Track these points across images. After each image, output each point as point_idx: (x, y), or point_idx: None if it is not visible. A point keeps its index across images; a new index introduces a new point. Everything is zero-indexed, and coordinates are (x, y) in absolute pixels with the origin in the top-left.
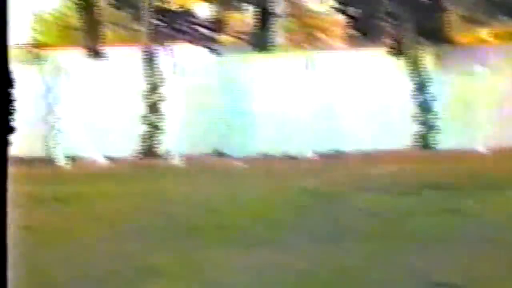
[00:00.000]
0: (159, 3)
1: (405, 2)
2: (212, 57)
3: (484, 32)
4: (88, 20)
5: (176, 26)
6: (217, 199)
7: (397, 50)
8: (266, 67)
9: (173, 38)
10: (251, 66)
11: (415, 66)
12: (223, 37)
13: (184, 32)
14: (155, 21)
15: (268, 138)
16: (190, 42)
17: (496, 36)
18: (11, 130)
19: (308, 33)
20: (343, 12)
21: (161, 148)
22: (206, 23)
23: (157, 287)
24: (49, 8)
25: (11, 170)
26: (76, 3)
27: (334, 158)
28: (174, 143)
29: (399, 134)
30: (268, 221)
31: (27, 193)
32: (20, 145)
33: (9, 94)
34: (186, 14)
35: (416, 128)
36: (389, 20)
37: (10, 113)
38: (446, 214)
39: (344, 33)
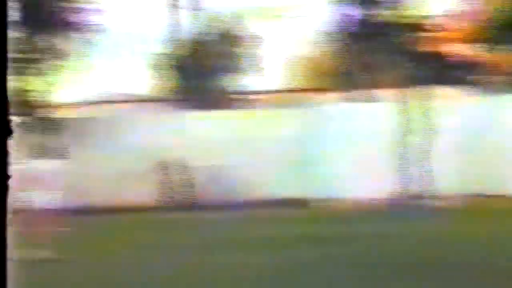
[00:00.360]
0: (415, 47)
1: None
2: (475, 98)
3: None
4: (345, 64)
5: (435, 68)
6: (488, 240)
7: None
8: None
9: (432, 81)
10: None
11: None
12: (485, 78)
13: (443, 75)
14: (412, 64)
15: None
16: (451, 83)
17: None
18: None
19: None
20: None
21: (425, 188)
22: (467, 64)
23: None
24: (305, 53)
25: (258, 212)
26: (334, 48)
27: None
28: (437, 183)
29: None
30: None
31: (276, 234)
32: (275, 187)
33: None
34: (444, 56)
35: None
36: None
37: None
38: None
39: None
